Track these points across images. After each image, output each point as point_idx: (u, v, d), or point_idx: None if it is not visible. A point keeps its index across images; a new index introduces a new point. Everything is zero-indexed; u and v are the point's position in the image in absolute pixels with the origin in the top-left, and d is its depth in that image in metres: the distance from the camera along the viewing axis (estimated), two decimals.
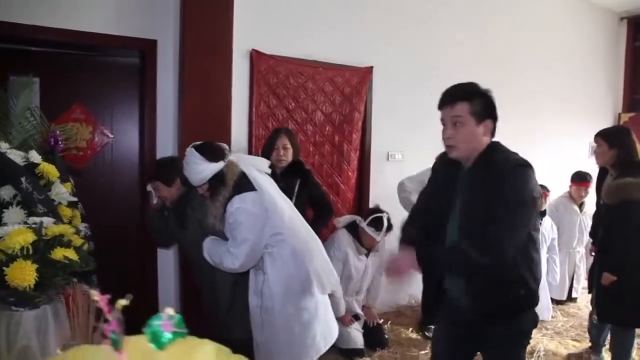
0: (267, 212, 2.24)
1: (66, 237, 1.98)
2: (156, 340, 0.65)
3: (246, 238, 2.20)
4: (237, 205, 2.20)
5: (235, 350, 2.55)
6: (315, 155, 3.55)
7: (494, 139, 1.87)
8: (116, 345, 0.64)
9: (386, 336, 3.60)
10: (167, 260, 3.20)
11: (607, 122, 5.90)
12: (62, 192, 2.30)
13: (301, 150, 3.11)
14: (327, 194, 3.23)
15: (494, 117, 1.83)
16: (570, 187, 4.42)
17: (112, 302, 0.69)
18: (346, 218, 3.45)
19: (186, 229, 2.48)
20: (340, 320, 3.35)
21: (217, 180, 2.23)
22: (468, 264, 1.71)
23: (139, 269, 3.19)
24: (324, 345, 2.48)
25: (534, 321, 1.95)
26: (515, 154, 1.83)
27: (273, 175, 2.58)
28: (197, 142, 2.31)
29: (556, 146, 5.31)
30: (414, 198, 3.60)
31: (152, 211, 2.71)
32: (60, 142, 2.47)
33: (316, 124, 3.53)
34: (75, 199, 2.33)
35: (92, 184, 3.08)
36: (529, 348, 3.54)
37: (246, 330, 2.49)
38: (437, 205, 1.96)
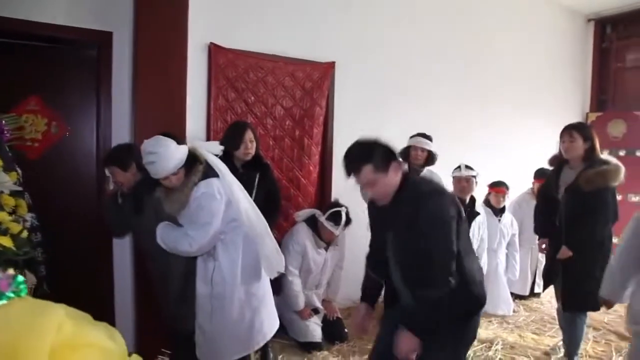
0: (226, 198, 2.28)
1: (4, 225, 1.97)
2: None
3: (208, 222, 2.22)
4: (203, 190, 2.24)
5: (188, 340, 2.51)
6: (275, 149, 3.56)
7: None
8: None
9: (346, 330, 3.61)
10: (122, 251, 3.18)
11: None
12: (4, 180, 2.28)
13: (260, 143, 3.13)
14: (281, 190, 3.22)
15: (395, 156, 1.93)
16: (534, 183, 4.48)
17: None
18: (305, 212, 3.46)
19: (142, 214, 2.46)
20: (299, 313, 3.37)
21: (193, 160, 2.26)
22: (434, 307, 1.83)
23: (94, 259, 3.17)
24: (269, 332, 2.50)
25: (475, 330, 2.09)
26: (429, 183, 2.03)
27: (233, 168, 2.62)
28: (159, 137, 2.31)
29: (524, 144, 5.38)
30: None
31: (107, 197, 2.70)
32: (6, 132, 2.46)
33: (276, 117, 3.55)
34: (20, 189, 2.31)
35: (49, 175, 3.06)
36: (487, 340, 3.61)
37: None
38: (377, 241, 2.13)
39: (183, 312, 2.49)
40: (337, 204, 3.40)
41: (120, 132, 3.13)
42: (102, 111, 3.11)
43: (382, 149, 1.89)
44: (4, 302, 0.63)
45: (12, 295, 0.64)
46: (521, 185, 5.00)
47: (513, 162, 5.26)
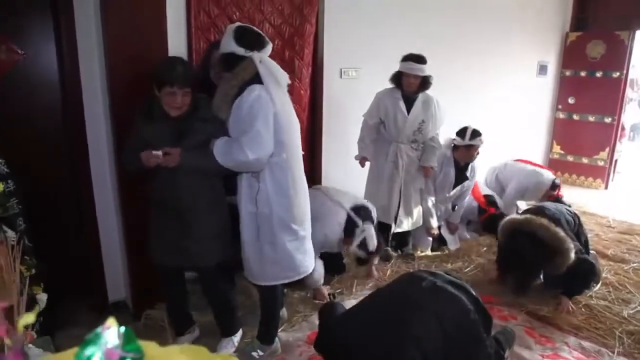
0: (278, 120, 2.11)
1: None
2: None
3: (260, 131, 2.03)
4: (257, 92, 2.04)
5: (214, 274, 2.26)
6: None
7: None
8: None
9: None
10: (104, 190, 2.87)
11: (555, 41, 5.88)
12: None
13: None
14: None
15: None
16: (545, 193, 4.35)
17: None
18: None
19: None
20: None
21: (231, 61, 2.11)
22: None
23: (73, 202, 2.86)
24: (308, 264, 2.44)
25: None
26: None
27: None
28: (242, 24, 2.23)
29: (504, 64, 5.23)
30: (362, 147, 3.49)
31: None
32: None
33: None
34: None
35: (5, 110, 2.61)
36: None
37: (219, 255, 2.35)
38: None
39: (211, 247, 2.31)
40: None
41: (88, 59, 2.68)
42: (63, 35, 2.61)
43: None
44: None
45: None
46: (506, 108, 4.94)
47: (494, 82, 5.14)
